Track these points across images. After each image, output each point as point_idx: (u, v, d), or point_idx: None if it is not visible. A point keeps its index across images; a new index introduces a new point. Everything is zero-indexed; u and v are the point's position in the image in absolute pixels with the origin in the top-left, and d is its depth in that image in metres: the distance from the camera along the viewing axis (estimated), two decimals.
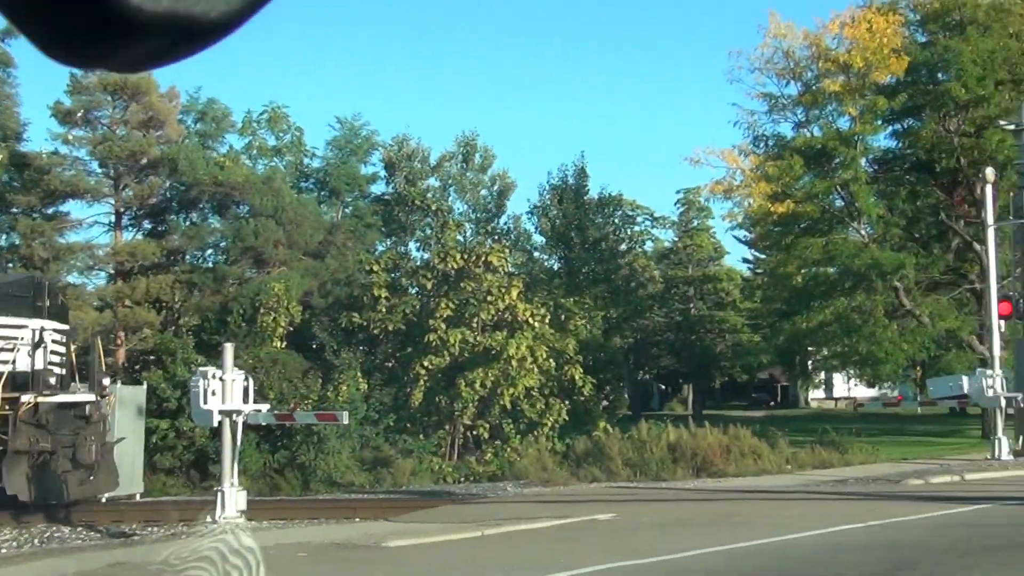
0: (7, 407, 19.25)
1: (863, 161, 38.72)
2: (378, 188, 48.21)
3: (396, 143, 49.51)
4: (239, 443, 16.57)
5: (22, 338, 19.85)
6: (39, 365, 19.86)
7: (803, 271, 39.30)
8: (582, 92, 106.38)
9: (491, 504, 17.96)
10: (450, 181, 50.46)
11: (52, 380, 19.96)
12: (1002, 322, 27.87)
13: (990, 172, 28.20)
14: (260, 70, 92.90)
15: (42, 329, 20.03)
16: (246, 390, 16.43)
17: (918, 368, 44.12)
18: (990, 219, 28.18)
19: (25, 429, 19.19)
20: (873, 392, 54.91)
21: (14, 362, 19.66)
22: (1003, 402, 26.01)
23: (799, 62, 38.84)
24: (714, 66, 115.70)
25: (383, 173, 48.92)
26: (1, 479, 18.98)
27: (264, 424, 19.37)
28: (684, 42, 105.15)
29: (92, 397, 20.39)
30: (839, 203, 39.09)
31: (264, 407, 17.17)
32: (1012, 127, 29.88)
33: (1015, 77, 36.91)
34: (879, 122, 38.37)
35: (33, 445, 19.24)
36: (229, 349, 16.60)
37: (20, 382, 19.77)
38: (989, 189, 28.15)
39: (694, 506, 17.11)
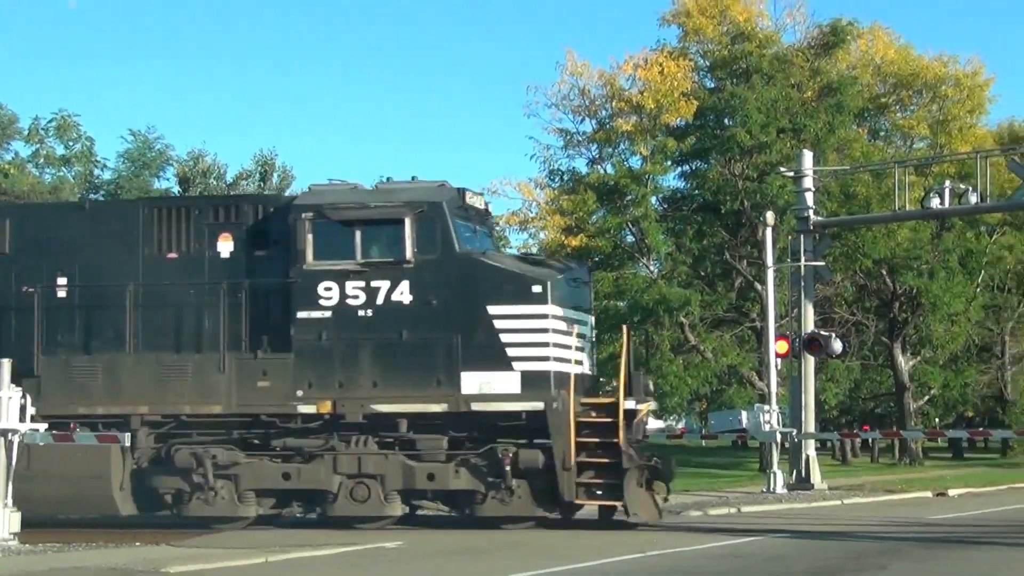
0: (593, 414, 17.88)
1: (653, 199, 40.04)
2: None
3: (191, 158, 48.52)
4: (13, 462, 15.98)
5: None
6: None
7: (595, 304, 40.16)
8: (386, 117, 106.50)
9: (277, 530, 17.75)
10: None
11: None
12: (779, 360, 29.25)
13: (770, 216, 29.77)
14: (51, 77, 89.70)
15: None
16: (23, 408, 15.91)
17: (702, 401, 45.66)
18: (769, 261, 29.60)
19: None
20: (659, 424, 56.49)
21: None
22: (779, 437, 27.31)
23: (594, 100, 40.01)
24: (513, 99, 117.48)
25: (177, 189, 47.84)
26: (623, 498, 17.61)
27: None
28: (485, 73, 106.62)
29: None
30: (630, 239, 40.26)
31: (42, 426, 16.58)
32: (791, 174, 31.32)
33: (795, 126, 38.82)
34: (669, 163, 39.79)
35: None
36: (6, 365, 15.99)
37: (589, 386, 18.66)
38: (769, 232, 29.53)
39: (484, 534, 17.30)
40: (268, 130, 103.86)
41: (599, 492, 17.70)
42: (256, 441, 18.53)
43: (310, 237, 18.06)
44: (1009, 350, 53.41)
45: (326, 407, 17.89)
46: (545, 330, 17.64)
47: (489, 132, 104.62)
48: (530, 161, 41.50)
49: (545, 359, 17.59)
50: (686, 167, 41.59)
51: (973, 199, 29.32)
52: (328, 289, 17.92)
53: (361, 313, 17.89)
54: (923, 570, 13.71)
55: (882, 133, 46.30)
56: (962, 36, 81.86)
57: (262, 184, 48.27)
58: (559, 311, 17.91)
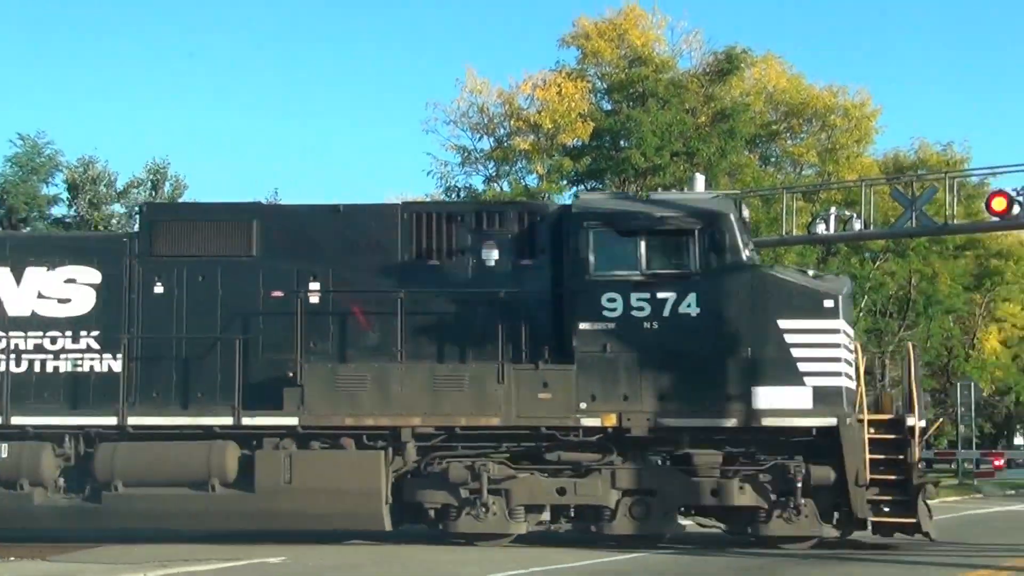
0: (872, 430, 17.44)
1: None
2: (60, 211, 46.10)
3: (81, 164, 47.57)
4: None
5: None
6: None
7: None
8: (278, 131, 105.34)
9: (160, 545, 17.49)
10: (136, 208, 48.86)
11: None
12: None
13: None
14: None
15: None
16: None
17: None
18: None
19: None
20: None
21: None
22: None
23: (493, 118, 40.25)
24: (412, 114, 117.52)
25: (66, 195, 46.86)
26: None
27: None
28: (381, 87, 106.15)
29: None
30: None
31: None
32: None
33: (689, 149, 39.49)
34: (564, 182, 40.23)
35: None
36: None
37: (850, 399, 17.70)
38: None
39: (370, 549, 17.25)
40: (159, 138, 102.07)
41: (886, 509, 17.48)
42: (522, 454, 18.01)
43: (592, 247, 17.70)
44: (888, 373, 54.86)
45: (611, 420, 17.42)
46: (837, 345, 17.49)
47: (385, 147, 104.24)
48: (427, 177, 41.71)
49: (837, 375, 17.41)
50: (581, 187, 42.00)
51: (857, 225, 30.20)
52: (612, 300, 17.58)
53: (646, 325, 17.54)
54: None
55: (772, 159, 47.27)
56: (851, 68, 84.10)
57: (153, 193, 47.49)
58: (847, 326, 17.91)
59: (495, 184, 40.81)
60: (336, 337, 18.23)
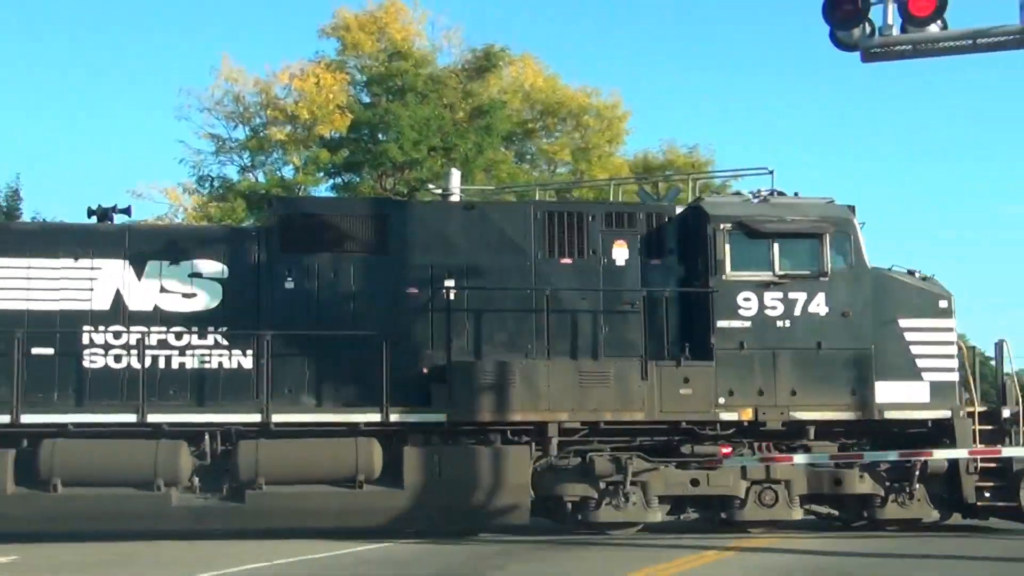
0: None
1: None
2: None
3: None
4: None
5: None
6: None
7: None
8: (19, 116, 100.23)
9: None
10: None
11: None
12: None
13: None
14: None
15: None
16: None
17: None
18: None
19: None
20: None
21: None
22: None
23: (248, 107, 39.56)
24: (164, 100, 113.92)
25: None
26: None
27: None
28: (132, 72, 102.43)
29: None
30: None
31: None
32: (440, 191, 32.07)
33: (446, 145, 39.79)
34: (321, 174, 39.85)
35: None
36: None
37: None
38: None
39: (98, 547, 16.75)
40: None
41: (987, 495, 19.12)
42: (653, 448, 18.68)
43: (728, 248, 18.69)
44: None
45: (747, 414, 18.54)
46: (951, 342, 19.22)
47: (134, 134, 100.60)
48: (179, 165, 40.64)
49: (951, 370, 19.13)
50: (339, 179, 41.79)
51: None
52: (747, 299, 18.68)
53: (779, 324, 18.74)
54: (540, 571, 14.48)
55: (528, 156, 48.14)
56: (605, 72, 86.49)
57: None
58: (955, 324, 19.24)
59: (250, 174, 40.16)
60: (471, 333, 18.59)
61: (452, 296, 18.27)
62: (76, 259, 17.97)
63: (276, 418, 17.52)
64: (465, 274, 18.56)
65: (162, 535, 17.49)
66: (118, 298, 17.98)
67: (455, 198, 30.91)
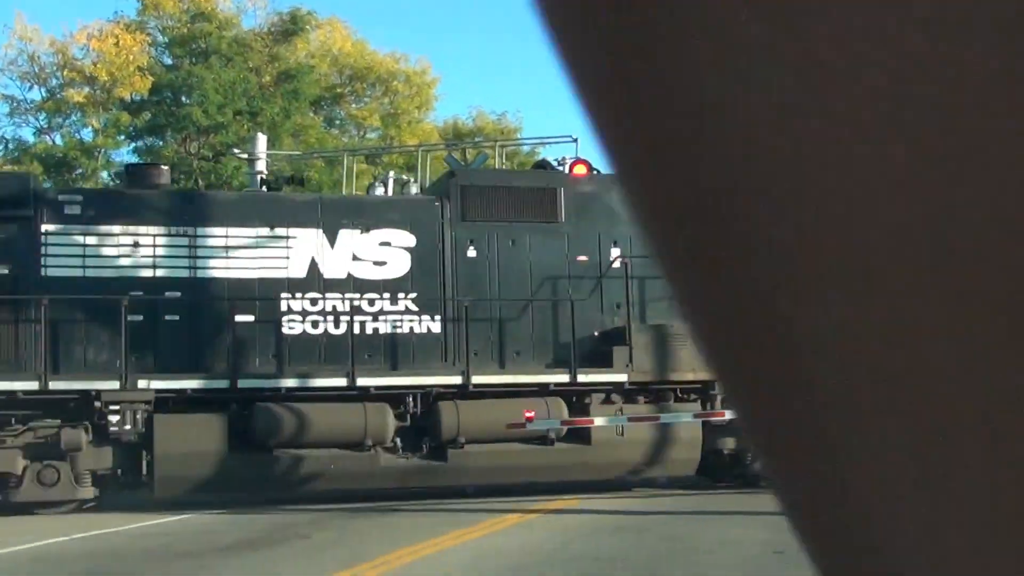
0: None
1: (105, 174, 38.85)
2: None
3: None
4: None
5: None
6: None
7: None
8: None
9: None
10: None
11: None
12: None
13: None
14: None
15: None
16: None
17: None
18: None
19: None
20: None
21: None
22: None
23: (44, 68, 38.15)
24: None
25: None
26: None
27: None
28: None
29: None
30: None
31: None
32: (245, 156, 31.69)
33: (252, 109, 39.20)
34: (122, 137, 38.79)
35: None
36: None
37: None
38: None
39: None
40: None
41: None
42: None
43: None
44: None
45: None
46: None
47: None
48: None
49: None
50: (141, 143, 40.74)
51: (414, 189, 31.10)
52: None
53: None
54: (342, 539, 14.58)
55: (337, 122, 47.81)
56: (415, 40, 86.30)
57: None
58: None
59: (47, 136, 38.78)
60: (636, 300, 19.21)
61: (618, 264, 19.22)
62: (272, 228, 18.46)
63: (475, 379, 18.30)
64: (630, 243, 19.23)
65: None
66: (313, 266, 18.51)
67: (261, 163, 30.87)
